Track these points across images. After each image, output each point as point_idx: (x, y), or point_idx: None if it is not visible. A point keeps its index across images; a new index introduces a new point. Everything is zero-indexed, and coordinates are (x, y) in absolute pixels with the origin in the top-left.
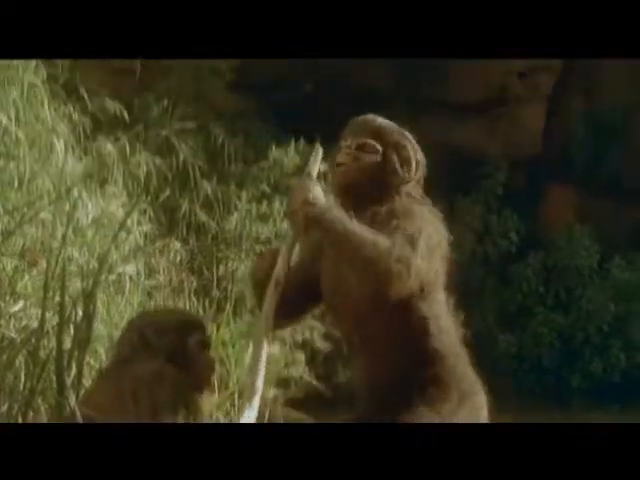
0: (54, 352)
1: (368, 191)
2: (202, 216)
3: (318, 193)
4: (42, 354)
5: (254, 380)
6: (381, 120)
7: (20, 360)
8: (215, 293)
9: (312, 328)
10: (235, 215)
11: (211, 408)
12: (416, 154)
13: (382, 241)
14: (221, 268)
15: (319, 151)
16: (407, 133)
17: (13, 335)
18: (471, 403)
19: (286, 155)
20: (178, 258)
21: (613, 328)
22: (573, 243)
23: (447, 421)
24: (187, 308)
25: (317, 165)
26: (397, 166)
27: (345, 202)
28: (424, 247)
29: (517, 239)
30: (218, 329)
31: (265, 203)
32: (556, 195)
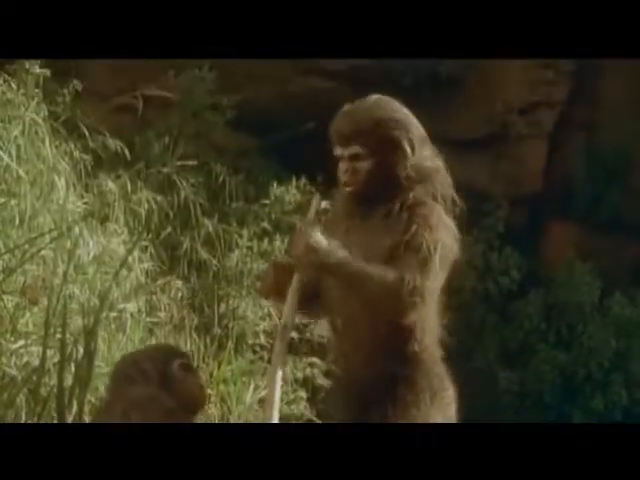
0: (55, 390)
1: (379, 192)
2: (203, 253)
3: (319, 238)
4: (43, 391)
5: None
6: (358, 116)
7: (21, 398)
8: (216, 330)
9: (313, 365)
10: (236, 252)
11: None
12: (407, 133)
13: (390, 275)
14: (222, 305)
15: (318, 199)
16: (387, 110)
17: (14, 373)
18: (440, 399)
19: (287, 192)
20: (179, 295)
21: (614, 364)
22: (574, 280)
23: (416, 421)
24: (188, 345)
25: (316, 212)
26: (392, 159)
27: (358, 210)
28: (437, 263)
29: (518, 276)
30: (219, 367)
31: (266, 240)
32: (557, 232)
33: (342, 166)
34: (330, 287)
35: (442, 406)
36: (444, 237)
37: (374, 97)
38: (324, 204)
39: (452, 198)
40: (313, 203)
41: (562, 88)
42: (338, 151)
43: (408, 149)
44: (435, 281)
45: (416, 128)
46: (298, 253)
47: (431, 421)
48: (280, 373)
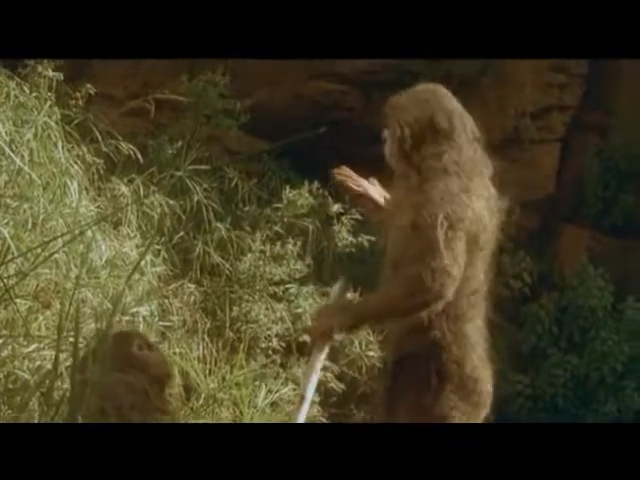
0: (68, 394)
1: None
2: (216, 257)
3: (327, 320)
4: (56, 395)
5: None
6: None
7: (34, 401)
8: (228, 334)
9: (326, 368)
10: (249, 256)
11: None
12: (408, 115)
13: (399, 285)
14: (235, 309)
15: (345, 284)
16: (400, 96)
17: (27, 376)
18: (475, 398)
19: (300, 196)
20: (192, 299)
21: (627, 369)
22: (586, 284)
23: (445, 416)
24: (200, 349)
25: (341, 296)
26: (396, 140)
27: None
28: (442, 235)
29: (530, 280)
30: (231, 370)
31: (279, 244)
32: (569, 236)
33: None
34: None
35: (470, 406)
36: (447, 208)
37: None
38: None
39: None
40: (338, 287)
41: (574, 92)
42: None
43: (398, 130)
44: (451, 255)
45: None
46: (314, 333)
47: (455, 412)
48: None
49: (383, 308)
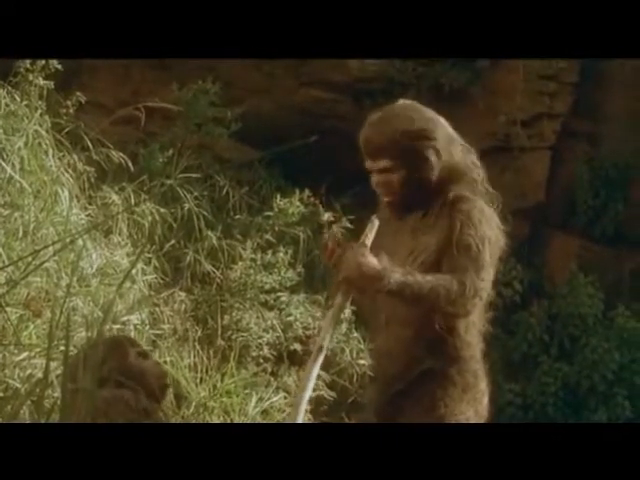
0: (59, 402)
1: (416, 199)
2: (206, 265)
3: (372, 261)
4: (47, 404)
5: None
6: (383, 128)
7: (25, 410)
8: (219, 342)
9: (317, 376)
10: (240, 264)
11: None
12: (431, 141)
13: (454, 284)
14: (226, 317)
15: (375, 223)
16: (411, 120)
17: (18, 385)
18: (472, 394)
19: (291, 204)
20: (183, 307)
21: (618, 377)
22: (577, 292)
23: (445, 416)
24: (191, 357)
25: (372, 236)
26: (421, 169)
27: (399, 215)
28: (487, 260)
29: (521, 288)
30: (222, 379)
31: (270, 252)
32: (560, 244)
33: (374, 179)
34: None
35: (473, 401)
36: (488, 231)
37: (399, 104)
38: (376, 224)
39: (488, 189)
40: (369, 226)
41: (565, 100)
42: (368, 164)
43: (433, 158)
44: (488, 278)
45: (442, 130)
46: (350, 274)
47: (462, 417)
48: (308, 395)
49: (436, 293)
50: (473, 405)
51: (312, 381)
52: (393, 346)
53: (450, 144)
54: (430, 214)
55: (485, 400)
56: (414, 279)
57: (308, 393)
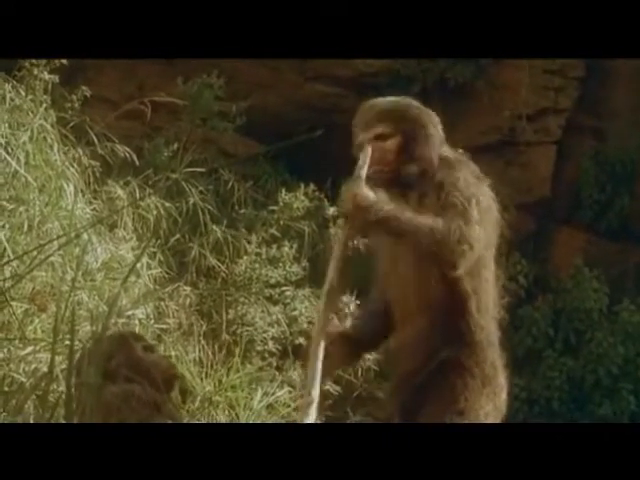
0: (64, 396)
1: (407, 173)
2: (211, 260)
3: (367, 192)
4: (52, 398)
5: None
6: (379, 104)
7: (29, 404)
8: (225, 337)
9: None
10: (245, 259)
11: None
12: (431, 117)
13: (438, 225)
14: (231, 312)
15: (368, 152)
16: (410, 102)
17: (23, 379)
18: (491, 388)
19: (295, 199)
20: (188, 302)
21: (623, 371)
22: (582, 286)
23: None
24: (196, 352)
25: (365, 167)
26: (420, 138)
27: (390, 192)
28: (477, 215)
29: (526, 282)
30: (228, 373)
31: (275, 247)
32: (565, 238)
33: (369, 150)
34: (387, 272)
35: (493, 395)
36: (476, 193)
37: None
38: (369, 152)
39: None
40: (361, 157)
41: (570, 95)
42: (361, 137)
43: (431, 128)
44: (479, 231)
45: (438, 124)
46: (347, 207)
47: (482, 412)
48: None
49: (421, 230)
50: (492, 399)
51: (319, 372)
52: (409, 341)
53: (442, 141)
54: (425, 198)
55: (504, 395)
56: (402, 213)
57: (317, 388)
